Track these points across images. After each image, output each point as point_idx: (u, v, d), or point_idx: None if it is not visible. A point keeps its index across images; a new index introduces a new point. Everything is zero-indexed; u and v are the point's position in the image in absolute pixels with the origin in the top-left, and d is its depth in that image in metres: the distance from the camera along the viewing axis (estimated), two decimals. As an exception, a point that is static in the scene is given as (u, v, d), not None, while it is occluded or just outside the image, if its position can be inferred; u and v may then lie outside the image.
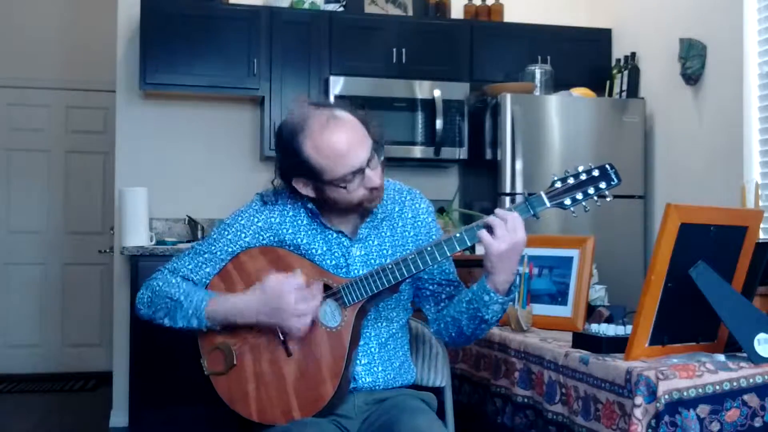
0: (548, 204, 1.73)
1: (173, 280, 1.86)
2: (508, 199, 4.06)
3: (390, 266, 1.76)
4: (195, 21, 4.18)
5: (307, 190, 1.81)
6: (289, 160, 1.78)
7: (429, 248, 1.75)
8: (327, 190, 1.78)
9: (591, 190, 1.73)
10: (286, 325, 1.75)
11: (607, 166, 1.75)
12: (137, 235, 3.96)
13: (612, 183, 1.74)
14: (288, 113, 1.83)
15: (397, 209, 1.94)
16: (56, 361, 5.89)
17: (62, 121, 6.03)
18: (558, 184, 1.74)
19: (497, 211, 1.72)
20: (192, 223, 4.26)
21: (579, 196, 1.73)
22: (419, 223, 1.96)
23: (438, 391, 2.10)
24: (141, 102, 4.42)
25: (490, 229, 1.70)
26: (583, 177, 1.74)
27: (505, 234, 1.69)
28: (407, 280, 1.85)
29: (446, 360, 2.16)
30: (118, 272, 4.34)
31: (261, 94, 4.28)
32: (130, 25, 4.37)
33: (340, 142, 1.72)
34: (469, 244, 1.74)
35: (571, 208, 1.74)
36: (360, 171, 1.74)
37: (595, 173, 1.74)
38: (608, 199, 1.75)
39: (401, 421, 1.76)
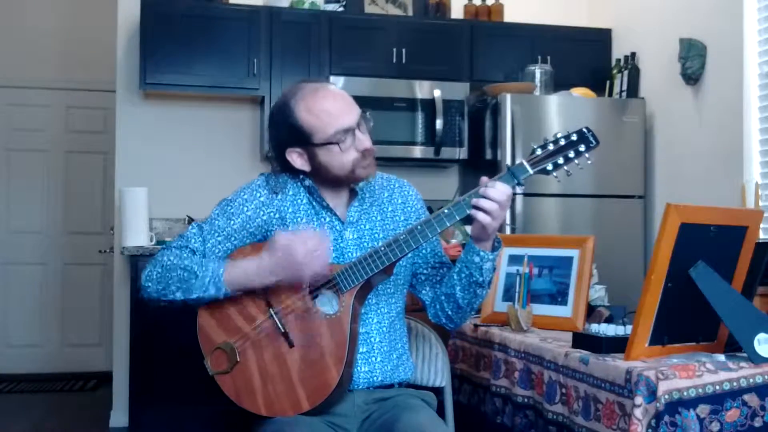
0: (531, 171, 1.76)
1: (184, 254, 1.86)
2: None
3: (383, 248, 1.78)
4: (195, 21, 4.18)
5: (302, 162, 1.85)
6: (282, 130, 1.85)
7: (419, 227, 1.78)
8: (320, 153, 1.82)
9: (571, 154, 1.76)
10: (306, 274, 1.74)
11: (584, 129, 1.78)
12: (137, 235, 3.96)
13: (591, 145, 1.77)
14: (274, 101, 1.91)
15: (386, 195, 1.98)
16: (56, 361, 5.89)
17: (62, 121, 6.03)
18: (539, 152, 1.77)
19: (486, 191, 1.75)
20: (192, 223, 4.26)
21: (560, 160, 1.76)
22: (409, 208, 1.99)
23: (438, 391, 2.10)
24: (141, 102, 4.42)
25: (481, 209, 1.75)
26: (563, 142, 1.77)
27: (498, 212, 1.75)
28: (402, 261, 1.89)
29: (446, 360, 2.17)
30: (118, 272, 4.34)
31: (261, 94, 4.27)
32: (130, 25, 4.37)
33: (331, 103, 1.82)
34: (457, 218, 1.77)
35: (554, 173, 1.77)
36: (351, 131, 1.80)
37: (574, 137, 1.77)
38: (589, 162, 1.78)
39: (402, 419, 1.77)
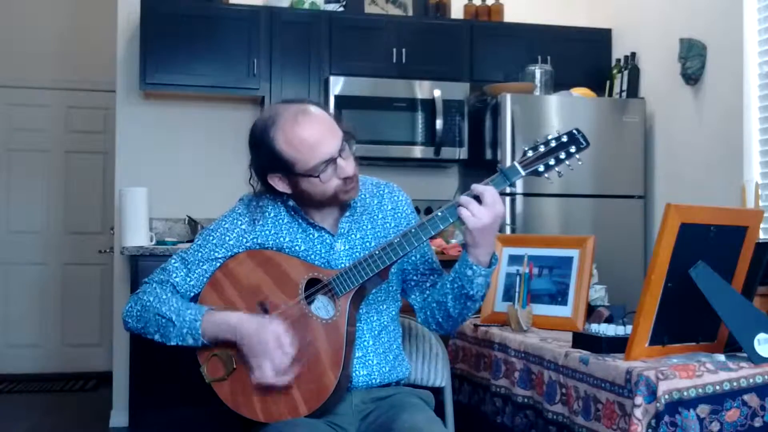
0: (522, 172, 1.79)
1: (163, 295, 1.85)
2: (507, 198, 4.04)
3: (377, 252, 1.78)
4: (195, 21, 4.18)
5: (283, 186, 1.84)
6: (263, 157, 1.83)
7: (413, 230, 1.78)
8: (301, 182, 1.80)
9: (562, 155, 1.78)
10: (265, 367, 1.73)
11: (574, 131, 1.81)
12: (137, 235, 3.96)
13: (581, 146, 1.79)
14: (259, 115, 1.88)
15: (376, 202, 1.97)
16: (56, 361, 5.89)
17: (62, 121, 6.02)
18: (530, 153, 1.79)
19: (474, 186, 1.77)
20: (192, 223, 4.26)
21: (551, 161, 1.78)
22: (399, 214, 1.98)
23: (438, 391, 2.10)
24: (141, 102, 4.42)
25: (470, 204, 1.75)
26: (553, 144, 1.79)
27: (482, 209, 1.74)
28: (394, 268, 1.88)
29: (446, 360, 2.17)
30: (118, 272, 4.34)
31: (261, 94, 4.27)
32: (130, 25, 4.38)
33: (310, 133, 1.77)
34: (451, 220, 1.78)
35: (545, 174, 1.79)
36: (332, 161, 1.77)
37: (564, 139, 1.79)
38: (579, 163, 1.80)
39: (400, 419, 1.77)
